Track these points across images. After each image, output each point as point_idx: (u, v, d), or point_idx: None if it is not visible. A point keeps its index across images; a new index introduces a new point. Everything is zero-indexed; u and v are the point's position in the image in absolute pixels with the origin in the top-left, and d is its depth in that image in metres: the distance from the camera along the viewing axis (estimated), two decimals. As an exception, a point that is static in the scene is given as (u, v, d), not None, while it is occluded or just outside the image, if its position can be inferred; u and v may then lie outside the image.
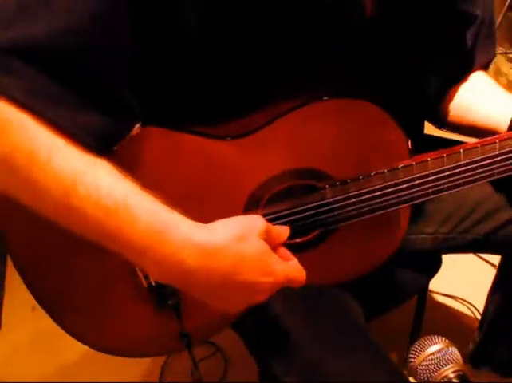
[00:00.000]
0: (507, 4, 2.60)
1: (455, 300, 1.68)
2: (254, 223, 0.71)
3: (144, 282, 0.86)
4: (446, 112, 1.05)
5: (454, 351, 0.61)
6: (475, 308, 1.61)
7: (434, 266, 1.17)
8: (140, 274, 0.86)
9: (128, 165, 0.65)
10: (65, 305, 0.89)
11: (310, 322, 0.86)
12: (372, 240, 0.89)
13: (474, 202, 1.08)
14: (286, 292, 0.84)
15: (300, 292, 0.86)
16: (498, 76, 2.78)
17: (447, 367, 0.59)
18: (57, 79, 0.61)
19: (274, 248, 0.73)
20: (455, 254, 1.16)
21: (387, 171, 0.80)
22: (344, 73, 0.82)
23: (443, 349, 0.60)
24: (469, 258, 1.67)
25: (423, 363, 0.60)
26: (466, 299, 1.66)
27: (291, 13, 0.75)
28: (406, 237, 1.10)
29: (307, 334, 0.85)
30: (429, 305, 1.56)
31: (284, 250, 0.76)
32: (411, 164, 0.80)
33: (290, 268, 0.74)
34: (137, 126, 0.73)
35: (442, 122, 1.06)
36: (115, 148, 0.71)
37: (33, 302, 1.56)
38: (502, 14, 2.59)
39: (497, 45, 1.04)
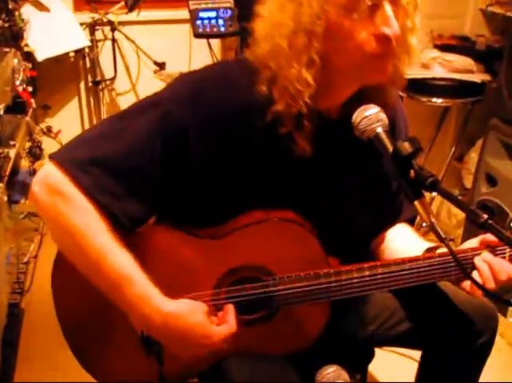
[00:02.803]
0: (451, 154, 2.94)
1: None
2: (201, 304, 1.08)
3: (139, 333, 1.17)
4: (376, 248, 1.36)
5: (343, 373, 0.92)
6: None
7: (366, 358, 1.45)
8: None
9: (139, 254, 1.07)
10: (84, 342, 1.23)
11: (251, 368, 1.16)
12: (298, 326, 1.18)
13: (393, 306, 1.38)
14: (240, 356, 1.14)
15: (251, 355, 1.16)
16: (450, 217, 3.03)
17: (338, 381, 0.90)
18: (115, 180, 1.03)
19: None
20: (386, 346, 1.44)
21: (313, 274, 1.12)
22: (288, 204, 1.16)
23: (336, 370, 0.92)
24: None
25: (323, 380, 0.91)
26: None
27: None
28: (345, 331, 1.39)
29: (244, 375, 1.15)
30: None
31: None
32: (330, 272, 1.12)
33: (223, 331, 1.07)
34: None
35: (373, 252, 1.37)
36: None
37: None
38: (446, 163, 2.91)
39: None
